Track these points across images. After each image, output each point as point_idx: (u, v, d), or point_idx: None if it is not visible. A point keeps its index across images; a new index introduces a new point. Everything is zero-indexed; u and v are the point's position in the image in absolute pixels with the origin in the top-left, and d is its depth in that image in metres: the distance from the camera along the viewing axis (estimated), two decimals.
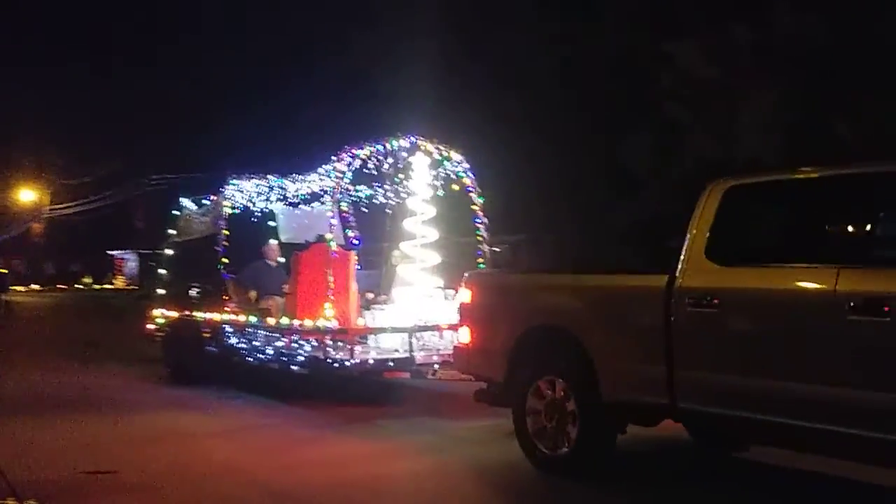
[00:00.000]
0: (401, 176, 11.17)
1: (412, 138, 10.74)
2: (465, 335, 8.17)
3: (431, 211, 11.19)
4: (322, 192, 13.26)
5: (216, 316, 12.38)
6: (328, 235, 10.42)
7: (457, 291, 11.14)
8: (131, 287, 63.59)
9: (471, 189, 11.36)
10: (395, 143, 10.68)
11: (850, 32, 14.78)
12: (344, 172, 10.50)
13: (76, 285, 68.32)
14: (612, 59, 18.58)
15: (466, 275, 8.34)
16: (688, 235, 6.35)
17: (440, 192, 11.28)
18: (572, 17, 19.98)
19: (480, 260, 11.40)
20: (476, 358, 8.06)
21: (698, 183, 6.61)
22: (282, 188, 12.92)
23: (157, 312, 14.32)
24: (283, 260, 13.03)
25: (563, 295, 7.13)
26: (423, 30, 21.97)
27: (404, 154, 10.81)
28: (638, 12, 17.73)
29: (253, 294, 12.14)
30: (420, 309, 10.71)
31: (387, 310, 11.09)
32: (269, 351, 11.12)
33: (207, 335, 12.58)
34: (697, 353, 6.08)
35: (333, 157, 10.66)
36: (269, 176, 12.92)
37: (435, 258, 11.16)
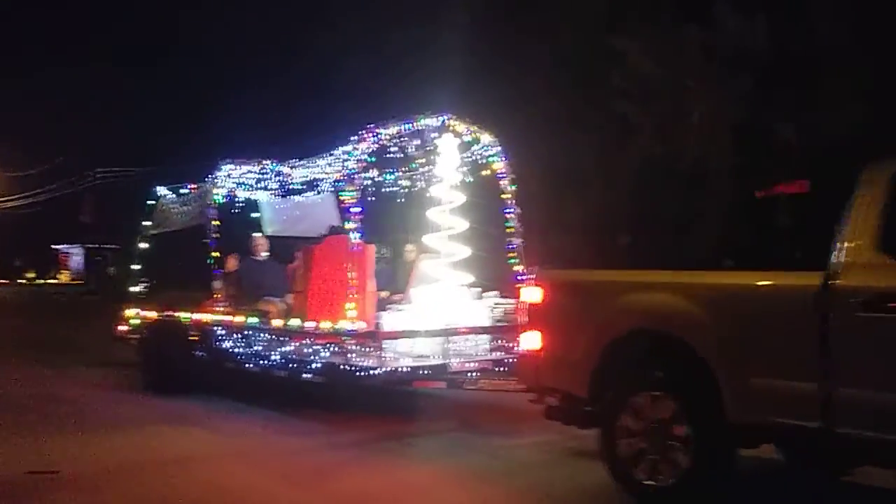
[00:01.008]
0: (426, 159, 9.91)
1: (443, 116, 9.50)
2: (533, 342, 6.97)
3: (460, 198, 9.96)
4: (321, 180, 12.07)
5: (206, 317, 11.00)
6: (349, 225, 9.09)
7: (486, 289, 10.10)
8: (76, 282, 61.18)
9: (502, 175, 10.16)
10: (424, 121, 9.43)
11: (793, 35, 14.54)
12: (368, 154, 9.21)
13: (19, 280, 65.54)
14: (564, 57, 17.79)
15: (536, 271, 7.14)
16: (844, 225, 5.24)
17: (468, 178, 10.06)
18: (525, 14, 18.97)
19: (512, 254, 10.21)
20: (549, 369, 6.88)
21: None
22: (279, 175, 11.60)
23: (131, 312, 12.86)
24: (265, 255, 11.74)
25: (674, 295, 5.96)
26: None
27: (433, 134, 9.57)
28: (589, 9, 17.04)
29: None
30: (446, 309, 9.49)
31: (406, 310, 9.86)
32: (275, 357, 9.79)
33: (195, 338, 11.19)
34: (867, 368, 4.98)
35: (354, 138, 9.37)
36: (265, 161, 11.57)
37: (464, 251, 9.93)
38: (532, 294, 7.04)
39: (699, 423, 5.70)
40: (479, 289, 10.05)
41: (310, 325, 9.24)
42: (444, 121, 9.51)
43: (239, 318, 10.49)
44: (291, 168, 11.46)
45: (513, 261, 10.19)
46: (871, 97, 13.33)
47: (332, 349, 9.05)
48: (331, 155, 9.82)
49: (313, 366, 9.15)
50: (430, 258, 10.28)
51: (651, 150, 15.71)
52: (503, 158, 10.08)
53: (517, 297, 9.95)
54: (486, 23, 18.79)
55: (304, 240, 12.69)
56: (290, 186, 12.28)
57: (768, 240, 13.96)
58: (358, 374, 8.48)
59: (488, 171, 10.09)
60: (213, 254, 11.19)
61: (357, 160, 9.18)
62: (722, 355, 5.59)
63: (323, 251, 9.61)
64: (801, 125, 14.34)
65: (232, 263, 11.50)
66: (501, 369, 9.02)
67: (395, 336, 8.64)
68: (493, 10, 18.60)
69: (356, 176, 9.19)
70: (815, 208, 12.30)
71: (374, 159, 9.38)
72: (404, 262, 11.07)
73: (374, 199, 11.55)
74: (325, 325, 9.02)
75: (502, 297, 10.03)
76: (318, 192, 12.84)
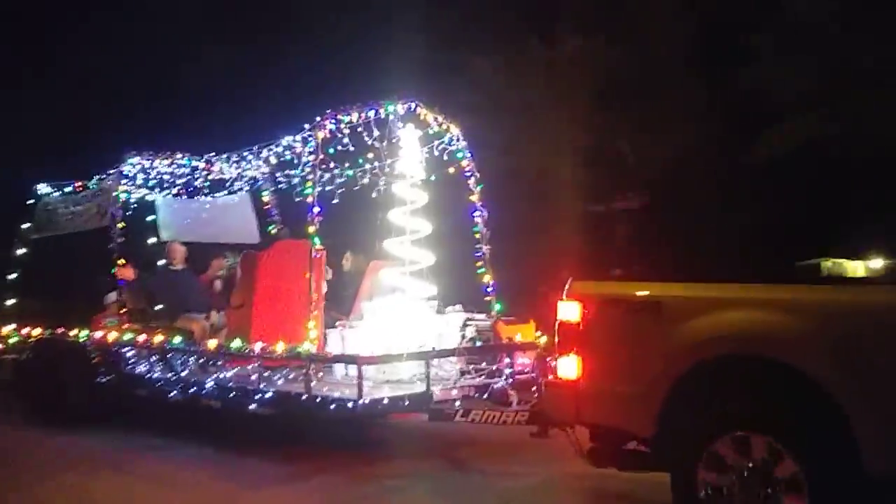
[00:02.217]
0: (385, 153, 8.61)
1: (412, 103, 8.24)
2: (569, 369, 5.84)
3: (423, 198, 8.71)
4: (242, 178, 10.59)
5: (114, 336, 9.28)
6: (311, 229, 7.66)
7: (447, 303, 8.90)
8: None
9: (469, 173, 8.99)
10: (391, 107, 8.14)
11: (629, 57, 14.65)
12: (321, 144, 7.83)
13: None
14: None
15: (570, 283, 6.00)
16: None
17: (433, 176, 8.83)
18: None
19: (479, 263, 9.05)
20: (593, 402, 5.76)
21: None
22: (193, 171, 10.05)
23: (7, 329, 10.88)
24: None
25: (786, 314, 4.95)
26: None
27: (399, 124, 8.30)
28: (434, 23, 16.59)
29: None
30: (409, 327, 8.24)
31: (359, 328, 8.55)
32: (208, 384, 8.22)
33: (97, 361, 9.43)
34: None
35: (306, 126, 7.97)
36: (177, 155, 9.97)
37: (429, 259, 8.69)
38: (568, 311, 5.91)
39: (820, 475, 4.70)
40: (438, 303, 8.83)
41: (259, 346, 7.76)
42: (412, 108, 8.24)
43: (158, 339, 8.84)
44: (212, 163, 9.92)
45: (480, 271, 9.02)
46: (701, 118, 13.79)
47: (289, 376, 7.64)
48: (272, 146, 8.37)
49: (263, 396, 7.68)
50: (387, 267, 8.99)
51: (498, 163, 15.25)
52: (470, 155, 8.92)
53: (488, 312, 8.95)
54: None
55: (215, 246, 11.16)
56: (201, 185, 10.76)
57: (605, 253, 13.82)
58: (331, 405, 7.10)
59: (454, 169, 8.89)
60: (119, 262, 9.50)
61: (312, 151, 7.78)
62: (859, 391, 4.61)
63: (273, 259, 8.18)
64: (637, 144, 14.56)
65: (127, 273, 9.78)
66: (484, 396, 7.85)
67: (375, 361, 7.29)
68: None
69: (313, 169, 7.77)
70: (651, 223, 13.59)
71: (333, 150, 8.00)
72: (344, 273, 9.71)
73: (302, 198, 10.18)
74: (283, 347, 7.57)
75: (466, 311, 8.87)
76: (231, 193, 11.38)
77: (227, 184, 11.04)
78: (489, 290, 9.00)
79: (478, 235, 9.02)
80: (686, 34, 14.11)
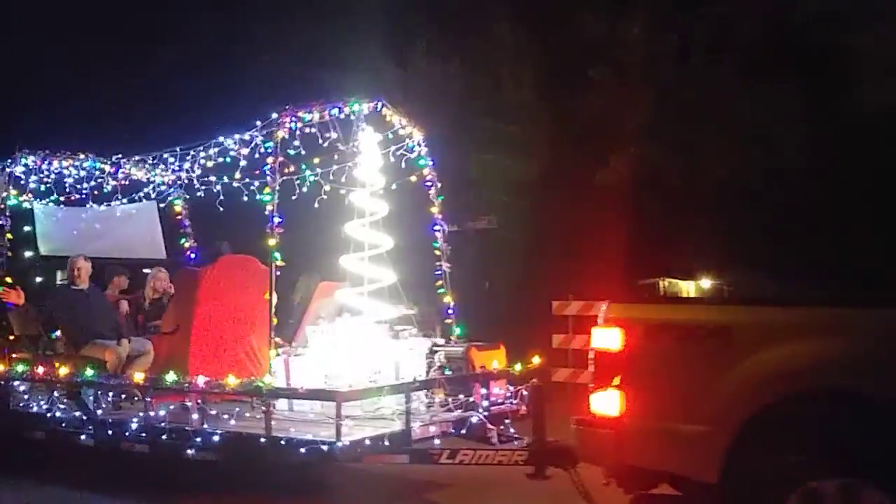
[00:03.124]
0: (339, 156, 7.64)
1: (378, 102, 7.31)
2: (609, 404, 5.08)
3: (383, 209, 7.77)
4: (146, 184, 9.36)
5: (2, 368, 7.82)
6: (271, 242, 6.56)
7: (401, 326, 7.96)
8: None
9: (430, 183, 8.12)
10: (356, 106, 7.18)
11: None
12: (282, 143, 6.79)
13: None
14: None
15: (609, 306, 5.24)
16: None
17: (394, 185, 7.91)
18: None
19: (440, 283, 8.18)
20: (640, 442, 5.00)
21: None
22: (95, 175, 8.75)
23: None
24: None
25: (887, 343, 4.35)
26: None
27: (362, 125, 7.35)
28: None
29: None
30: (361, 354, 7.27)
31: (305, 355, 7.51)
32: (133, 425, 6.94)
33: None
34: None
35: (258, 124, 6.89)
36: (80, 156, 8.64)
37: (388, 277, 7.73)
38: (606, 338, 5.15)
39: None
40: (389, 326, 7.90)
41: (201, 380, 6.57)
42: (378, 108, 7.31)
43: (63, 370, 7.46)
44: (119, 166, 8.64)
45: (440, 291, 8.15)
46: (550, 144, 14.55)
47: (233, 415, 6.52)
48: (210, 146, 7.24)
49: (209, 438, 6.50)
50: (340, 288, 7.98)
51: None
52: (431, 162, 8.06)
53: (447, 337, 8.09)
54: None
55: (110, 263, 9.79)
56: (98, 193, 9.43)
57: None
58: (300, 449, 6.02)
59: (414, 177, 8.00)
60: (6, 280, 8.07)
61: (270, 152, 6.71)
62: None
63: (216, 276, 7.01)
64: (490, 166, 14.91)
65: (14, 296, 8.34)
66: (462, 432, 6.96)
67: (356, 396, 6.25)
68: None
69: (271, 173, 6.69)
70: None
71: (293, 152, 6.96)
72: (292, 295, 8.58)
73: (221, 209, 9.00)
74: (235, 380, 6.43)
75: (424, 335, 7.98)
76: (132, 202, 10.06)
77: (132, 191, 9.73)
78: (450, 311, 8.14)
79: (438, 252, 8.14)
80: (534, 65, 14.88)
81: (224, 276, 6.97)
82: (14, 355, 8.07)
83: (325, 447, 5.97)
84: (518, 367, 7.56)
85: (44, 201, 9.73)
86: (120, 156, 8.87)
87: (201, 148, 7.56)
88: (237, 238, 8.33)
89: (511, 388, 7.48)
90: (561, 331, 10.81)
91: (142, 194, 9.92)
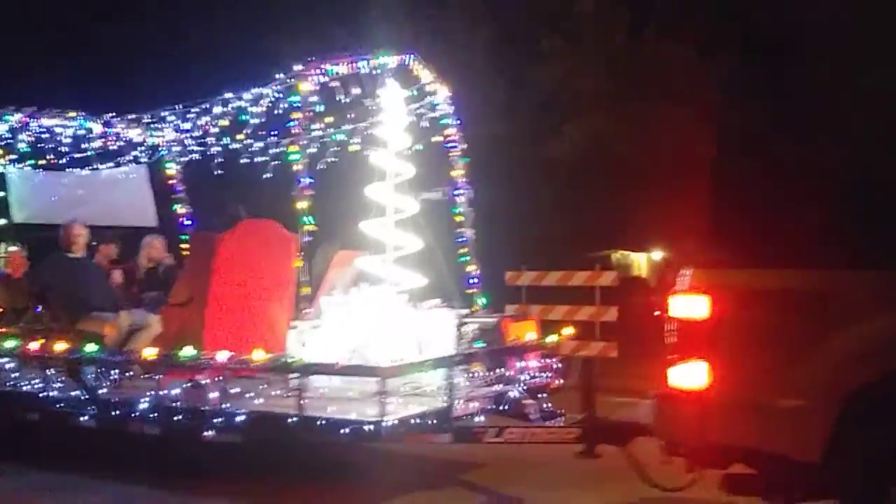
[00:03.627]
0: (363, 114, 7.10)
1: (408, 55, 6.77)
2: (694, 377, 4.67)
3: (408, 170, 7.25)
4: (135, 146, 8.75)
5: None
6: (301, 205, 6.01)
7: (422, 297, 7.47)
8: None
9: (453, 144, 7.61)
10: (383, 58, 6.63)
11: None
12: (310, 98, 6.23)
13: None
14: None
15: (685, 273, 4.81)
16: None
17: (419, 145, 7.39)
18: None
19: (464, 249, 7.70)
20: (729, 417, 4.61)
21: None
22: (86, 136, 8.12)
23: None
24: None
25: None
26: None
27: (389, 79, 6.80)
28: None
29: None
30: (382, 327, 6.78)
31: (322, 328, 7.00)
32: (142, 405, 6.36)
33: None
34: None
35: (281, 76, 6.32)
36: (72, 114, 8.00)
37: (415, 244, 7.23)
38: (691, 306, 4.73)
39: None
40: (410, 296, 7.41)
41: (223, 355, 6.01)
42: (407, 61, 6.77)
43: (59, 346, 6.84)
44: (111, 125, 8.01)
45: (463, 259, 7.67)
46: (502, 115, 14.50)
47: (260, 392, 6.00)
48: (227, 101, 6.64)
49: (231, 418, 5.96)
50: (356, 256, 7.46)
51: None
52: (457, 121, 7.54)
53: (470, 307, 7.63)
54: None
55: (97, 230, 9.14)
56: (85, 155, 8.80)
57: None
58: (342, 429, 5.52)
59: (439, 137, 7.48)
60: (12, 249, 7.47)
61: (297, 106, 6.15)
62: None
63: (237, 242, 6.41)
64: None
65: (17, 263, 7.71)
66: (501, 408, 6.52)
67: (398, 372, 5.74)
68: None
69: (296, 129, 6.13)
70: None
71: (322, 106, 6.40)
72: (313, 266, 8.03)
73: (221, 173, 8.42)
74: (263, 355, 5.89)
75: (448, 306, 7.51)
76: (119, 165, 9.42)
77: (119, 154, 9.10)
78: (473, 281, 7.67)
79: (460, 218, 7.65)
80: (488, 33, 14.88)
81: (244, 243, 6.39)
82: (2, 330, 7.42)
83: (368, 427, 5.48)
84: (552, 338, 7.14)
85: (20, 165, 9.06)
86: (113, 114, 8.23)
87: (208, 104, 6.93)
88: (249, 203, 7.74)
89: (546, 361, 7.06)
90: (515, 300, 10.46)
91: (129, 157, 9.28)
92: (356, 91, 6.66)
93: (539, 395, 6.78)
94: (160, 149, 8.98)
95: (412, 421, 5.64)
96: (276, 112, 6.39)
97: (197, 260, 6.55)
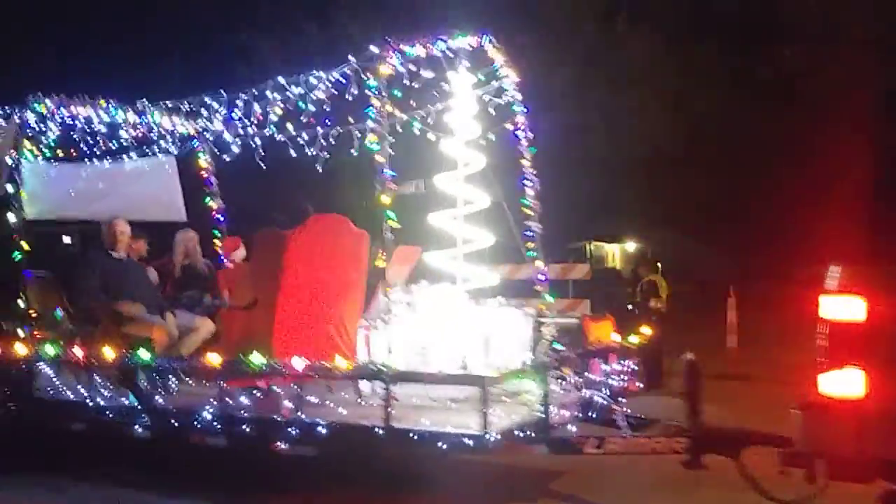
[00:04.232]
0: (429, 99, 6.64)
1: (485, 36, 6.30)
2: (849, 385, 4.30)
3: (479, 160, 6.80)
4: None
5: (21, 349, 6.67)
6: (385, 199, 5.55)
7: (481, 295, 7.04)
8: None
9: (521, 132, 7.16)
10: (460, 39, 6.16)
11: None
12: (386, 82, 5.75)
13: None
14: None
15: (835, 269, 4.42)
16: None
17: (491, 135, 6.93)
18: None
19: (531, 245, 7.26)
20: (891, 431, 4.24)
21: None
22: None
23: None
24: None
25: None
26: None
27: (464, 62, 6.33)
28: None
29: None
30: (450, 327, 6.35)
31: (386, 330, 6.53)
32: (207, 415, 5.86)
33: None
34: None
35: (351, 59, 5.83)
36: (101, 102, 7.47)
37: (486, 239, 6.79)
38: (844, 308, 4.34)
39: None
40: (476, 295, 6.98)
41: (299, 362, 5.53)
42: (483, 43, 6.31)
43: (107, 352, 6.32)
44: (143, 115, 7.50)
45: (531, 254, 7.24)
46: None
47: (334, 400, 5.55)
48: (272, 88, 6.15)
49: (309, 429, 5.49)
50: (415, 251, 7.03)
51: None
52: (525, 109, 7.10)
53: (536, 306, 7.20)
54: None
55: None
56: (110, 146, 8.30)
57: None
58: (439, 442, 5.09)
59: (509, 125, 7.03)
60: (23, 245, 6.92)
61: (376, 92, 5.67)
62: None
63: (309, 239, 5.92)
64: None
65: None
66: (590, 415, 6.10)
67: (501, 380, 5.29)
68: None
69: (377, 116, 5.66)
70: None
71: (398, 93, 5.92)
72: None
73: (262, 164, 7.89)
74: (345, 362, 5.43)
75: (515, 305, 7.09)
76: (143, 156, 8.90)
77: (145, 145, 8.56)
78: (540, 277, 7.24)
79: (528, 211, 7.21)
80: None
81: (315, 240, 5.90)
82: (37, 335, 6.89)
83: (469, 440, 5.04)
84: (633, 339, 6.74)
85: (39, 158, 8.48)
86: (144, 101, 7.69)
87: (261, 89, 6.44)
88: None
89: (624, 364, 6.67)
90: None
91: (156, 148, 8.73)
92: (432, 75, 6.18)
93: (621, 400, 6.39)
94: (196, 139, 8.44)
95: (515, 433, 5.21)
96: (346, 97, 5.89)
97: (264, 259, 6.05)
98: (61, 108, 7.35)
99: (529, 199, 7.19)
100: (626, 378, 6.62)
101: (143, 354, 6.19)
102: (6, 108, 7.28)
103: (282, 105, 6.42)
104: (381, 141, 5.59)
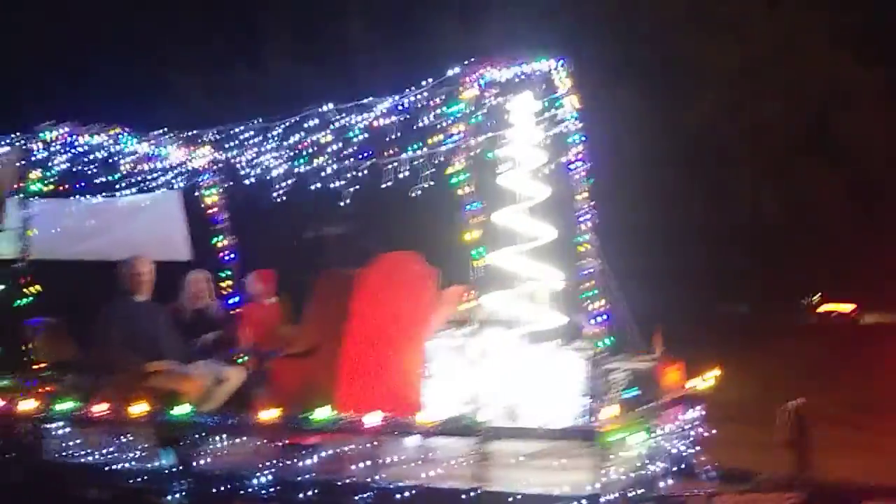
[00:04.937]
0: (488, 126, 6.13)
1: (560, 60, 5.86)
2: None
3: (542, 191, 6.34)
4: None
5: (29, 405, 5.92)
6: (469, 236, 5.02)
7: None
8: None
9: (578, 164, 6.69)
10: (540, 63, 5.71)
11: None
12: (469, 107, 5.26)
13: None
14: None
15: None
16: None
17: (551, 165, 6.47)
18: None
19: (589, 284, 6.77)
20: None
21: None
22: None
23: None
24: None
25: None
26: None
27: (543, 85, 5.89)
28: None
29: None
30: (508, 373, 5.86)
31: (436, 377, 6.03)
32: (260, 478, 5.19)
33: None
34: None
35: (427, 82, 5.34)
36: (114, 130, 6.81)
37: (553, 275, 6.31)
38: None
39: None
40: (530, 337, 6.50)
41: (373, 417, 4.93)
42: (556, 67, 5.86)
43: (139, 407, 5.60)
44: (161, 145, 6.90)
45: (589, 294, 6.75)
46: None
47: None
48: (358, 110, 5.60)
49: (389, 493, 4.88)
50: (464, 291, 6.47)
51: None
52: (583, 138, 6.65)
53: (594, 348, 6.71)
54: None
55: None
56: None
57: None
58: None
59: (566, 155, 6.57)
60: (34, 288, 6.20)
61: (457, 117, 5.18)
62: None
63: (378, 281, 5.33)
64: None
65: None
66: (680, 467, 5.62)
67: (614, 435, 4.76)
68: None
69: (461, 146, 5.16)
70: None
71: (480, 118, 5.42)
72: None
73: (281, 198, 7.32)
74: (428, 417, 4.85)
75: (574, 349, 6.62)
76: (143, 191, 8.24)
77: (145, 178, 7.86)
78: (601, 319, 6.75)
79: (584, 248, 6.72)
80: None
81: (385, 281, 5.31)
82: (47, 389, 6.13)
83: (584, 502, 4.50)
84: (705, 384, 6.30)
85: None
86: (164, 130, 7.05)
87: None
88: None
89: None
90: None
91: (160, 182, 8.04)
92: (506, 99, 5.73)
93: (697, 448, 5.96)
94: (185, 175, 7.73)
95: (630, 493, 4.69)
96: (419, 124, 5.38)
97: (327, 301, 5.41)
98: (71, 137, 6.65)
99: (585, 235, 6.72)
100: (701, 425, 6.20)
101: (182, 410, 5.49)
102: (10, 136, 6.56)
103: (329, 134, 5.86)
104: (465, 171, 5.05)
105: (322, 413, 5.06)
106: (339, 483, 5.07)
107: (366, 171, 6.08)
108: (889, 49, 20.31)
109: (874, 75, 20.40)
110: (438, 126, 5.34)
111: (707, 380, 6.37)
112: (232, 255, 8.24)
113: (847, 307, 37.27)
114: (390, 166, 5.86)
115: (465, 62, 5.24)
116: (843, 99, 20.60)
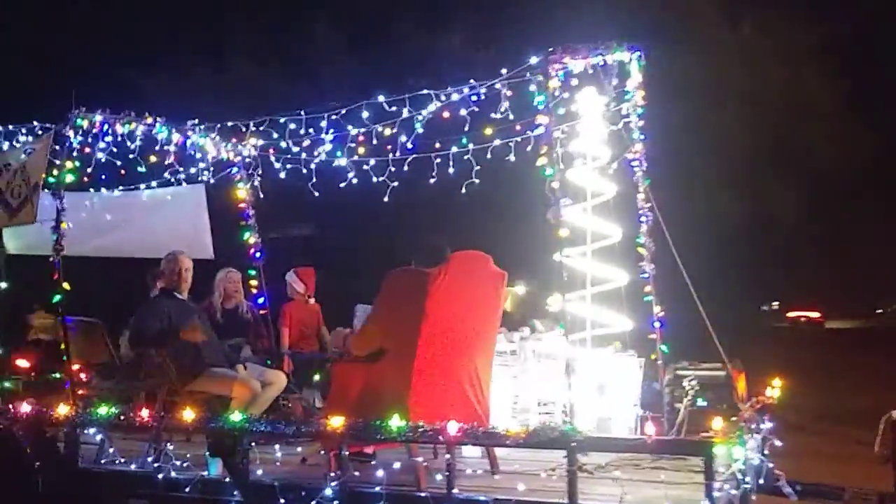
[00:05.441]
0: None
1: (637, 52, 5.60)
2: None
3: (609, 189, 6.08)
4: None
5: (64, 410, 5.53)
6: (562, 232, 4.72)
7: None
8: None
9: (638, 161, 6.43)
10: (617, 53, 5.43)
11: None
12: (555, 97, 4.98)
13: None
14: None
15: None
16: None
17: (613, 165, 6.20)
18: None
19: (648, 288, 6.53)
20: None
21: None
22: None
23: None
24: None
25: None
26: None
27: (614, 80, 5.61)
28: None
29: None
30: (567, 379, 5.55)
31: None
32: (326, 490, 4.84)
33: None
34: None
35: (503, 72, 5.04)
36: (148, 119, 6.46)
37: (619, 277, 6.05)
38: None
39: None
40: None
41: (451, 426, 4.61)
42: (633, 58, 5.59)
43: (188, 414, 5.23)
44: (187, 136, 6.59)
45: (647, 298, 6.51)
46: None
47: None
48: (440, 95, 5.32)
49: None
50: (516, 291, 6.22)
51: None
52: (645, 136, 6.40)
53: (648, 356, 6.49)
54: None
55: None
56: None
57: None
58: None
59: (630, 153, 6.31)
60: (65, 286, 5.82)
61: (543, 108, 4.89)
62: None
63: (451, 282, 4.97)
64: None
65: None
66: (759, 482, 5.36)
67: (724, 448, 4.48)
68: None
69: (546, 136, 4.86)
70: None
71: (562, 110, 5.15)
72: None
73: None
74: (521, 427, 4.55)
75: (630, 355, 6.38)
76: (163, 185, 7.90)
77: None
78: (657, 325, 6.51)
79: (642, 250, 6.48)
80: None
81: (457, 281, 4.97)
82: (82, 393, 5.74)
83: None
84: (774, 393, 6.06)
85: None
86: (196, 121, 6.71)
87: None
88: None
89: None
90: None
91: (182, 176, 7.66)
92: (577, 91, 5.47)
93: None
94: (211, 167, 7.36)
95: None
96: (492, 110, 5.09)
97: (397, 302, 5.05)
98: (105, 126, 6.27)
99: (643, 237, 6.47)
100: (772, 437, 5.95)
101: (237, 416, 5.14)
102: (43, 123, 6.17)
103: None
104: (553, 165, 4.76)
105: (396, 421, 4.73)
106: (411, 496, 4.74)
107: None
108: (849, 61, 20.63)
109: (837, 87, 20.64)
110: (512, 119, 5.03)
111: (774, 388, 6.13)
112: (259, 253, 7.92)
113: (814, 314, 39.59)
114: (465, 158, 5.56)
115: (548, 50, 4.94)
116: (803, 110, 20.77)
